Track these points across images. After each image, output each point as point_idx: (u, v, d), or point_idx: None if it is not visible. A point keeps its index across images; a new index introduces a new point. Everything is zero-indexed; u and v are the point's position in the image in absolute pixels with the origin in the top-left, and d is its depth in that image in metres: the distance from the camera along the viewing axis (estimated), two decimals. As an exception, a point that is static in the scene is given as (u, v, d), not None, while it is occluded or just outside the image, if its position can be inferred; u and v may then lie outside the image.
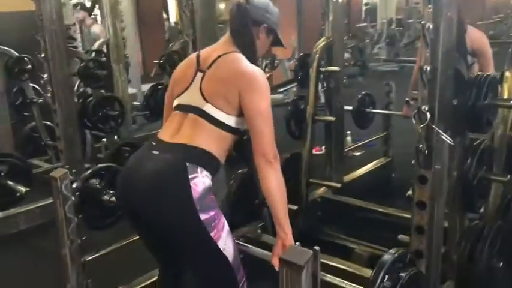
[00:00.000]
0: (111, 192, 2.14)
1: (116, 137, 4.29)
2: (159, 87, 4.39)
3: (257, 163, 1.60)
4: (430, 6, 1.57)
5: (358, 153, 4.56)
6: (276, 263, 1.55)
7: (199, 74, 1.68)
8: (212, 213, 1.53)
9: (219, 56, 1.68)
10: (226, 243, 1.58)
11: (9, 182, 3.02)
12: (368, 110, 3.68)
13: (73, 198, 1.96)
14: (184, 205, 1.49)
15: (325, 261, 2.44)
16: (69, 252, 2.00)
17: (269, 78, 5.28)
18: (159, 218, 1.53)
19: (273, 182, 1.59)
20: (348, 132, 4.51)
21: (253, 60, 1.69)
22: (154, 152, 1.59)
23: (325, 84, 3.16)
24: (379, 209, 3.09)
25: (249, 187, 2.47)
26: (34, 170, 3.55)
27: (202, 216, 1.50)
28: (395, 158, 3.96)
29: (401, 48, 10.27)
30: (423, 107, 1.63)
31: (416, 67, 3.28)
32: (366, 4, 12.93)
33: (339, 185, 3.10)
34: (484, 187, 2.00)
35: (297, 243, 1.49)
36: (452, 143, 1.66)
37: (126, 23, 7.54)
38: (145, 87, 5.51)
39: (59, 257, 2.04)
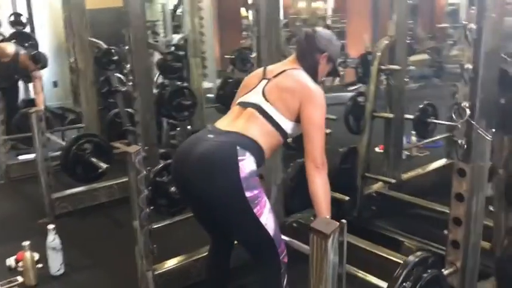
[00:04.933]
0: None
1: (189, 126, 4.61)
2: (229, 80, 4.60)
3: (307, 167, 1.81)
4: (473, 7, 1.66)
5: (422, 154, 4.56)
6: None
7: (264, 81, 1.93)
8: (256, 192, 1.71)
9: (285, 70, 1.94)
10: (267, 218, 1.75)
11: (93, 158, 3.38)
12: (429, 120, 3.19)
13: (144, 171, 2.24)
14: (232, 182, 1.67)
15: (375, 251, 2.57)
16: (139, 219, 2.28)
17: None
18: (209, 192, 1.71)
19: (319, 186, 1.79)
20: (413, 132, 4.50)
21: (314, 80, 1.93)
22: (209, 135, 1.80)
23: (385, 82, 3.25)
24: (434, 207, 3.09)
25: (305, 176, 2.65)
26: (114, 151, 3.90)
27: (247, 194, 1.68)
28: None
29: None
30: (463, 104, 1.72)
31: None
32: (451, 5, 12.51)
33: (392, 181, 3.17)
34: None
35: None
36: (490, 139, 1.73)
37: (206, 20, 7.94)
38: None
39: (131, 222, 2.33)
